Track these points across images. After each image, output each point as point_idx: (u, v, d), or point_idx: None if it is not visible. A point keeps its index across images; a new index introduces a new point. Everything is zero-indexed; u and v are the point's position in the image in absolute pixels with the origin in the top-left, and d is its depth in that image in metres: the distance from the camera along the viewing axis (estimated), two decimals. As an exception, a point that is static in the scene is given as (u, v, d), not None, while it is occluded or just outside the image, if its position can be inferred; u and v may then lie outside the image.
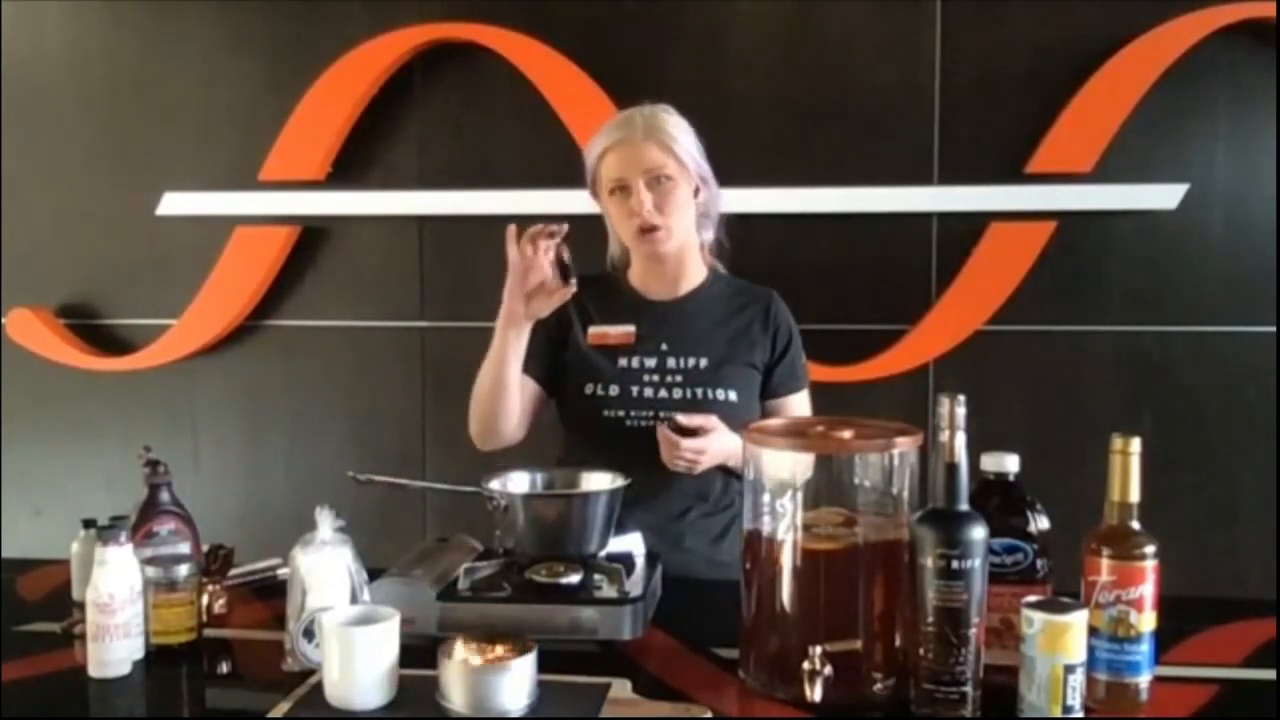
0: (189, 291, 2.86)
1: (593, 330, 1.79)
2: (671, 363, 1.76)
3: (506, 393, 1.71)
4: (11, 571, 1.69)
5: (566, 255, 1.63)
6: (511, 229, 1.62)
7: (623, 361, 1.76)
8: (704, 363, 1.76)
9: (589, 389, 1.76)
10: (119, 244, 2.93)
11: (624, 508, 1.51)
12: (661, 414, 1.69)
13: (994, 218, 2.63)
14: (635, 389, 1.74)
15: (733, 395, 1.74)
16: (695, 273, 1.83)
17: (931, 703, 1.10)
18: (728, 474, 1.76)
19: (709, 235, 1.86)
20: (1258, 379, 2.64)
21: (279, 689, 1.19)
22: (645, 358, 1.76)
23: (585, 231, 1.83)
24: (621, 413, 1.73)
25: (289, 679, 1.22)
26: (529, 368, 1.77)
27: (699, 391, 1.73)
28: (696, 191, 1.77)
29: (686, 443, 1.63)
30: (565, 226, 1.63)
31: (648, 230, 1.72)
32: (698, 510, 1.76)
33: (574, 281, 1.63)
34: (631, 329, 1.78)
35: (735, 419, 1.68)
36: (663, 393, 1.74)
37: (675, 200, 1.73)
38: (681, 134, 1.73)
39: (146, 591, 1.30)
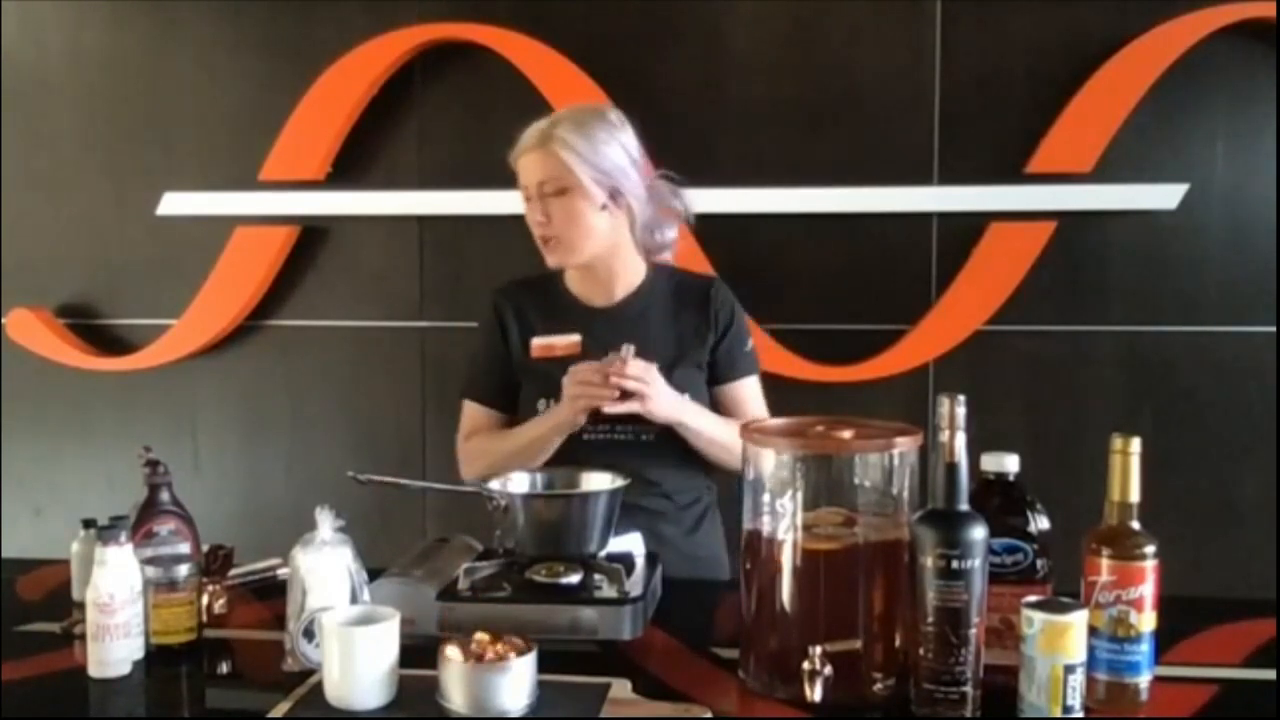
0: (189, 291, 2.86)
1: (537, 342, 1.73)
2: None
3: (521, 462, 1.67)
4: (11, 571, 1.69)
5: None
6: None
7: None
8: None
9: (542, 405, 1.73)
10: (119, 244, 2.93)
11: None
12: (617, 427, 1.68)
13: (994, 218, 2.63)
14: None
15: (686, 397, 1.70)
16: (632, 275, 1.79)
17: (931, 703, 1.10)
18: (692, 464, 1.75)
19: (671, 235, 1.83)
20: (1258, 379, 2.64)
21: (279, 689, 1.19)
22: None
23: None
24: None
25: (289, 679, 1.22)
26: (496, 403, 1.78)
27: None
28: (610, 202, 1.70)
29: (636, 363, 1.59)
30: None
31: (544, 241, 1.71)
32: (670, 508, 1.74)
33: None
34: (577, 338, 1.71)
35: None
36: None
37: (570, 212, 1.67)
38: (584, 142, 1.66)
39: (146, 591, 1.30)
